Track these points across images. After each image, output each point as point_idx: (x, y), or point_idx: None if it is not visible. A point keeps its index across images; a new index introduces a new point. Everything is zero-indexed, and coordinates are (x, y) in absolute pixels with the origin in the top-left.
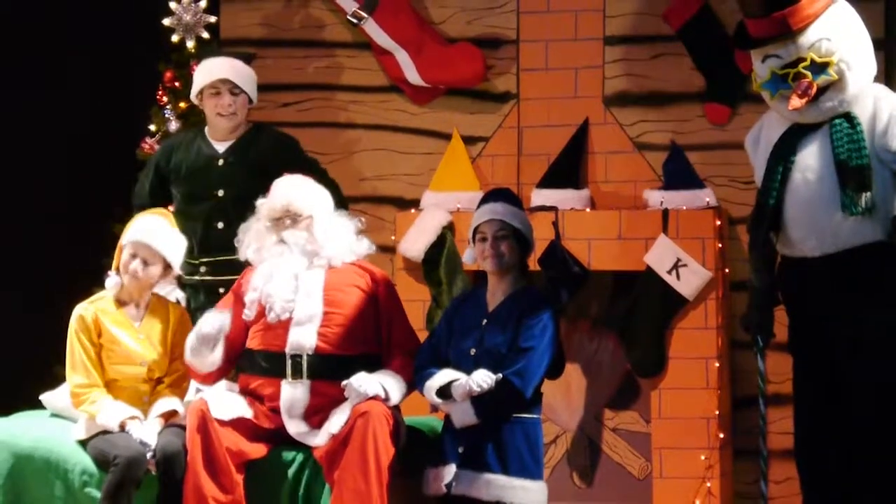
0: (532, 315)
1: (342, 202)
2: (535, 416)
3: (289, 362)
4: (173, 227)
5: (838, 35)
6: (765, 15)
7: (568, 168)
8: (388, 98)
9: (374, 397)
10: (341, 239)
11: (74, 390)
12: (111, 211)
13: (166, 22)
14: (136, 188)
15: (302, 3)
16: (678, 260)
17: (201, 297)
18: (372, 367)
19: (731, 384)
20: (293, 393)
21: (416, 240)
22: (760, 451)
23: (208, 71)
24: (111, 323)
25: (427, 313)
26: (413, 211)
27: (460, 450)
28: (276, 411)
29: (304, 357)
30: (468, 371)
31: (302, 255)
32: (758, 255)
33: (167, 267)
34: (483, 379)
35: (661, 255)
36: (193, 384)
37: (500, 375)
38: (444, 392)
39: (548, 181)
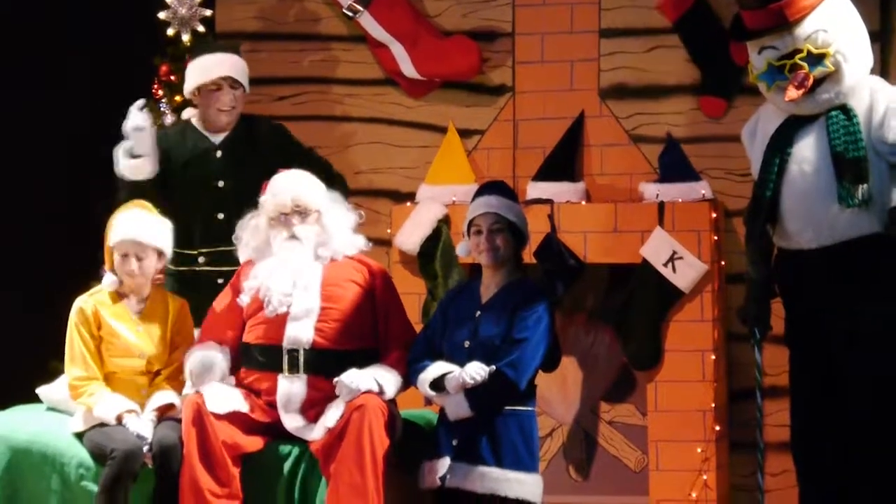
0: (526, 307)
1: (342, 184)
2: (529, 408)
3: (286, 357)
4: (155, 214)
5: (835, 26)
6: (761, 6)
7: (563, 161)
8: (383, 91)
9: (368, 391)
10: (345, 232)
11: (73, 383)
12: (108, 205)
13: (162, 16)
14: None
15: None
16: (674, 252)
17: (199, 288)
18: (369, 361)
19: (727, 377)
20: (290, 387)
21: (411, 233)
22: (757, 444)
23: (207, 67)
24: (110, 316)
25: (423, 306)
26: (409, 204)
27: (454, 442)
28: (272, 405)
29: (301, 352)
30: (462, 363)
31: (313, 250)
32: (755, 248)
33: (160, 254)
34: (476, 371)
35: (656, 248)
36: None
37: (494, 367)
38: (438, 385)
39: (543, 174)
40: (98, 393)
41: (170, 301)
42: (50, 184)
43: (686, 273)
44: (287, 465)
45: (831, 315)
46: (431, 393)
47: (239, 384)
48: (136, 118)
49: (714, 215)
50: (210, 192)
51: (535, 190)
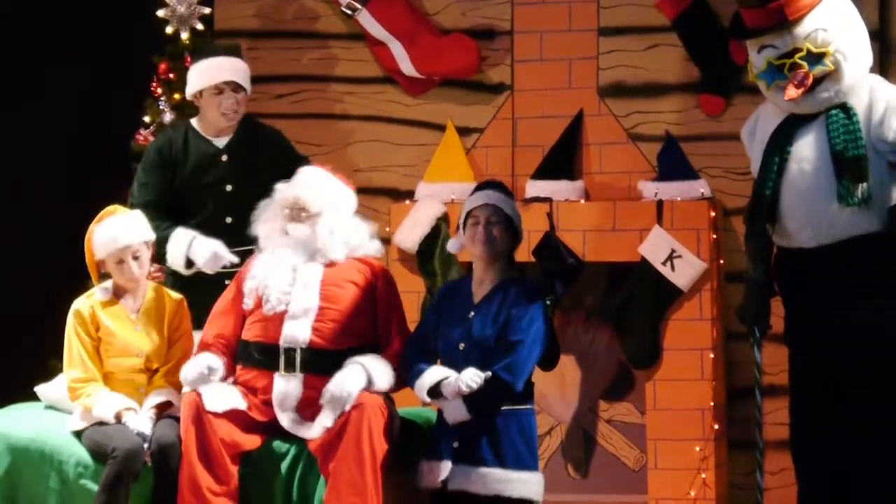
0: (519, 307)
1: None
2: (528, 406)
3: (282, 355)
4: (126, 212)
5: (834, 25)
6: (761, 5)
7: (562, 159)
8: (382, 89)
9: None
10: (347, 239)
11: (71, 385)
12: (106, 203)
13: (160, 13)
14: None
15: None
16: (673, 251)
17: (208, 290)
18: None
19: (725, 375)
20: (286, 386)
21: (410, 231)
22: (756, 442)
23: (209, 71)
24: (108, 316)
25: (421, 304)
26: (407, 202)
27: (455, 444)
28: (268, 404)
29: (298, 351)
30: (457, 364)
31: (301, 250)
32: (754, 247)
33: (148, 244)
34: (472, 378)
35: (655, 247)
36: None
37: (490, 373)
38: (435, 391)
39: (542, 172)
40: (96, 393)
41: (167, 298)
42: (49, 183)
43: (685, 271)
44: (285, 464)
45: (831, 313)
46: (429, 399)
47: (236, 381)
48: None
49: (713, 214)
50: (218, 197)
51: (534, 188)
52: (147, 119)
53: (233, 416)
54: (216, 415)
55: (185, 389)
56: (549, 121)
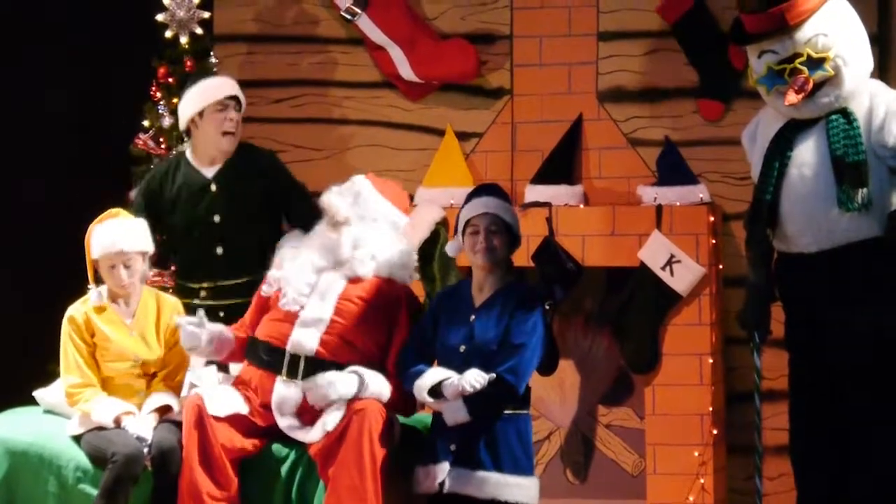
0: (523, 311)
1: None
2: (525, 411)
3: (286, 360)
4: (129, 218)
5: (835, 30)
6: (761, 10)
7: (561, 164)
8: (381, 94)
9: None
10: (376, 255)
11: (69, 390)
12: (105, 207)
13: (160, 18)
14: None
15: None
16: (672, 256)
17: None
18: None
19: (724, 380)
20: (285, 391)
21: (409, 235)
22: (756, 448)
23: (211, 89)
24: (103, 322)
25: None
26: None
27: (452, 448)
28: (267, 406)
29: (303, 359)
30: (457, 368)
31: (327, 255)
32: (755, 252)
33: (144, 255)
34: (475, 379)
35: (654, 251)
36: (187, 380)
37: (494, 375)
38: (435, 391)
39: (541, 177)
40: (94, 398)
41: (162, 302)
42: (48, 186)
43: (684, 276)
44: (285, 468)
45: (831, 318)
46: (429, 399)
47: (237, 382)
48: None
49: (712, 219)
50: (206, 228)
51: (534, 193)
52: (146, 123)
53: (234, 420)
54: (217, 419)
55: (182, 341)
56: (549, 125)
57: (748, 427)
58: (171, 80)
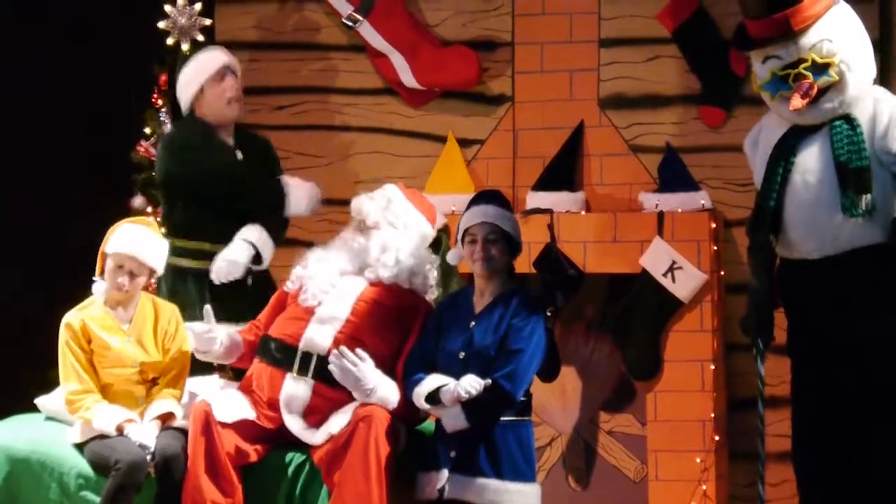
0: (521, 317)
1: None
2: (525, 418)
3: (298, 357)
4: (157, 233)
5: (839, 36)
6: (766, 16)
7: (563, 171)
8: (382, 101)
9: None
10: (401, 260)
11: (69, 398)
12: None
13: (161, 25)
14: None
15: (296, 6)
16: (673, 262)
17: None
18: None
19: (726, 387)
20: (295, 389)
21: None
22: (758, 454)
23: (207, 62)
24: (100, 328)
25: None
26: None
27: (452, 454)
28: (274, 406)
29: (315, 357)
30: (457, 374)
31: (354, 259)
32: (757, 258)
33: (153, 273)
34: (471, 384)
35: (656, 258)
36: (187, 389)
37: (490, 381)
38: (433, 398)
39: (543, 184)
40: (95, 406)
41: (159, 307)
42: (50, 193)
43: (685, 283)
44: (288, 474)
45: (834, 324)
46: (427, 406)
47: (243, 385)
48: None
49: (713, 225)
50: (229, 195)
51: (535, 199)
52: (148, 130)
53: (240, 426)
54: (224, 425)
55: (190, 343)
56: (550, 132)
57: (750, 434)
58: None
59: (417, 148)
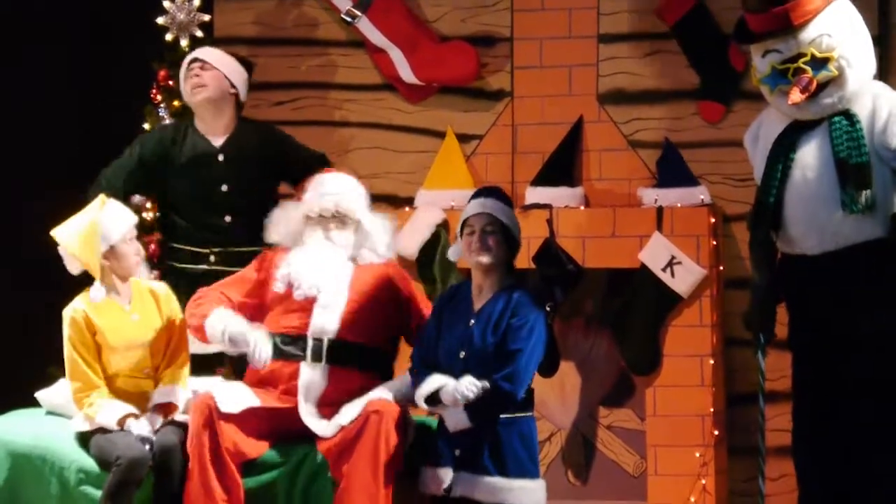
0: (519, 317)
1: (321, 160)
2: (528, 413)
3: (310, 344)
4: (111, 201)
5: (839, 31)
6: (766, 10)
7: (562, 166)
8: (381, 96)
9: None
10: (378, 241)
11: (76, 395)
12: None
13: (160, 20)
14: (108, 173)
15: (295, 1)
16: (672, 257)
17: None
18: (386, 365)
19: (725, 381)
20: (312, 375)
21: (410, 238)
22: (759, 449)
23: (185, 62)
24: (102, 316)
25: None
26: (407, 209)
27: (456, 452)
28: (289, 393)
29: (325, 341)
30: (458, 373)
31: (342, 253)
32: (758, 254)
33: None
34: (468, 388)
35: (655, 253)
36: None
37: (487, 383)
38: (434, 398)
39: (542, 179)
40: (98, 401)
41: (148, 285)
42: (49, 189)
43: (684, 278)
44: (289, 468)
45: (835, 319)
46: (426, 407)
47: (253, 380)
48: None
49: (712, 220)
50: (215, 196)
51: (534, 195)
52: (147, 126)
53: (243, 420)
54: (228, 417)
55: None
56: (549, 127)
57: (749, 428)
58: (171, 82)
59: (416, 143)
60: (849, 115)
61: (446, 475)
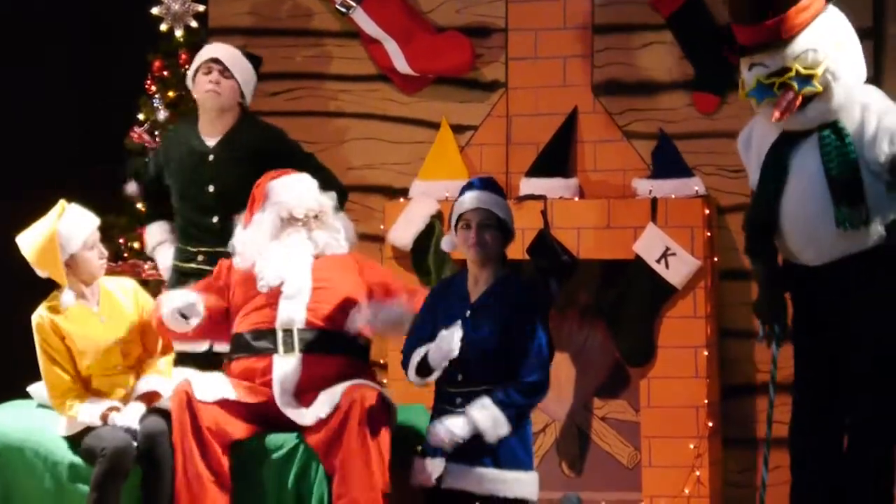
0: (523, 316)
1: (340, 189)
2: None
3: (280, 335)
4: (70, 207)
5: (825, 45)
6: (753, 23)
7: (557, 157)
8: (376, 87)
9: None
10: (341, 235)
11: (54, 401)
12: (101, 201)
13: (155, 11)
14: (150, 169)
15: None
16: (667, 249)
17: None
18: (360, 347)
19: (719, 373)
20: (285, 366)
21: (404, 228)
22: (766, 439)
23: (202, 53)
24: (70, 321)
25: None
26: (402, 200)
27: None
28: (266, 385)
29: (295, 331)
30: (457, 365)
31: (312, 249)
32: (758, 265)
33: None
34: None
35: (649, 244)
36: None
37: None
38: (424, 368)
39: (536, 170)
40: (77, 405)
41: (116, 281)
42: (43, 180)
43: (679, 269)
44: (279, 457)
45: (835, 321)
46: (418, 379)
47: (230, 375)
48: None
49: (707, 211)
50: (202, 196)
51: (528, 186)
52: (141, 116)
53: (222, 404)
54: (205, 404)
55: (165, 311)
56: (544, 118)
57: (743, 420)
58: (165, 73)
59: (411, 134)
60: (837, 129)
61: (437, 466)
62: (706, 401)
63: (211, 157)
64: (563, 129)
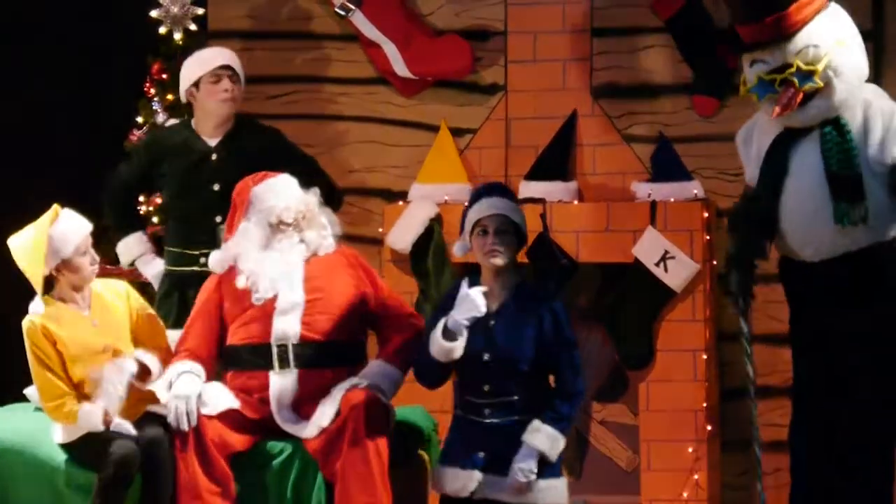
0: (554, 328)
1: (335, 192)
2: None
3: (275, 351)
4: (64, 212)
5: (826, 41)
6: (753, 20)
7: (556, 160)
8: (375, 90)
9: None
10: (327, 228)
11: (47, 406)
12: (99, 204)
13: (154, 14)
14: (122, 174)
15: None
16: (666, 252)
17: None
18: (357, 355)
19: (718, 376)
20: (282, 383)
21: (403, 232)
22: (753, 434)
23: (205, 60)
24: (61, 326)
25: (415, 305)
26: (401, 203)
27: (481, 455)
28: (264, 402)
29: (290, 346)
30: (480, 375)
31: (303, 251)
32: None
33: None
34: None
35: (648, 248)
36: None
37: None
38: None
39: (536, 173)
40: (74, 410)
41: (107, 283)
42: (42, 183)
43: (678, 272)
44: (278, 464)
45: (833, 318)
46: (445, 343)
47: (229, 385)
48: None
49: (706, 215)
50: (206, 196)
51: (528, 189)
52: (140, 119)
53: (225, 416)
54: (209, 416)
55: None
56: (543, 122)
57: (742, 423)
58: (164, 76)
59: (410, 137)
60: (839, 126)
61: (472, 478)
62: (705, 404)
63: (214, 157)
64: (562, 133)
